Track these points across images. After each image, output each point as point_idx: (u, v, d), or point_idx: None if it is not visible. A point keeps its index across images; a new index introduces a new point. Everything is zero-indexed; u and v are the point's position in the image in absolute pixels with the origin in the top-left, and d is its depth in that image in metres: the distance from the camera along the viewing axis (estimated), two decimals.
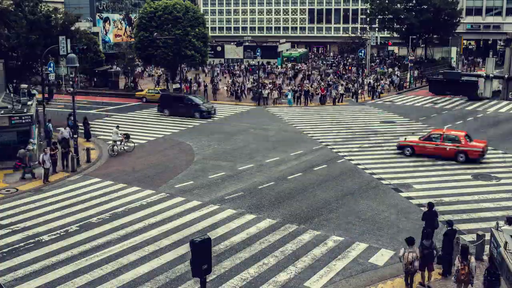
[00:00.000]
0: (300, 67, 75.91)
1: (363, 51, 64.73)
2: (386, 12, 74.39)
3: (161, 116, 44.66)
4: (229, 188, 25.13)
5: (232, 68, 77.27)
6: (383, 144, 33.83)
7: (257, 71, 56.97)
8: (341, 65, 79.37)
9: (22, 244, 18.99)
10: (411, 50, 70.11)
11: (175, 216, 21.60)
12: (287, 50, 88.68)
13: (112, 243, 19.02)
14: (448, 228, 16.63)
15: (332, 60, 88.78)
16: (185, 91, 54.41)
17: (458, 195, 23.66)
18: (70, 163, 28.48)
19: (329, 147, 33.18)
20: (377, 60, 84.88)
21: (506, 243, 12.02)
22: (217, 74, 69.93)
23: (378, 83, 57.45)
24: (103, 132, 38.22)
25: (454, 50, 73.97)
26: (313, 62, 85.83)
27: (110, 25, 75.39)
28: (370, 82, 57.36)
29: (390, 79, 61.90)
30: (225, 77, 69.50)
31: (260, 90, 51.80)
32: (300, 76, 67.02)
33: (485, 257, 16.18)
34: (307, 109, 47.78)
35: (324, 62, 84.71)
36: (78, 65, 31.88)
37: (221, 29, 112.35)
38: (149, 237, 19.48)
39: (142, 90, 56.69)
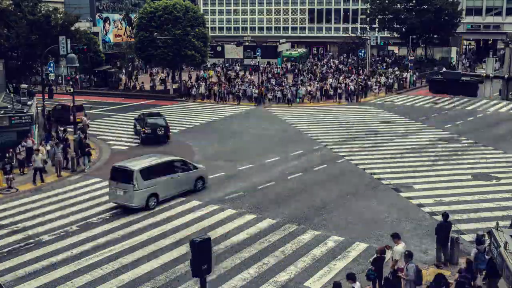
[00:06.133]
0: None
1: (363, 51, 64.59)
2: (386, 12, 74.24)
3: None
4: (229, 188, 25.11)
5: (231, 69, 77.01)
6: (383, 144, 33.82)
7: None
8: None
9: (22, 244, 19.01)
10: (411, 50, 70.03)
11: (175, 216, 21.60)
12: (287, 50, 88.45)
13: (112, 243, 19.02)
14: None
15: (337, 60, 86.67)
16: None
17: (458, 195, 23.65)
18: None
19: (329, 147, 33.17)
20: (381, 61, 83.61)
21: (506, 243, 12.01)
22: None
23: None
24: (103, 132, 38.21)
25: (454, 50, 73.86)
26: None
27: (110, 25, 75.38)
28: None
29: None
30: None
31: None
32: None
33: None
34: (307, 109, 47.74)
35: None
36: (78, 65, 31.91)
37: (221, 29, 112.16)
38: (149, 237, 19.48)
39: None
